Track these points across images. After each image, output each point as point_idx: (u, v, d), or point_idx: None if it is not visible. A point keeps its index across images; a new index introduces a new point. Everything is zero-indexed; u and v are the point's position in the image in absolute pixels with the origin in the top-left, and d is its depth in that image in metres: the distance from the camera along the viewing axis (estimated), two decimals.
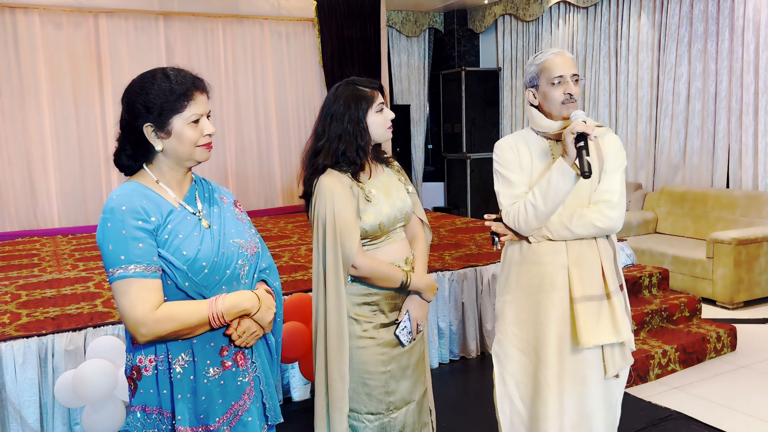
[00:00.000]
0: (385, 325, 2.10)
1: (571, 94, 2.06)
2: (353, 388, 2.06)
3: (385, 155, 2.22)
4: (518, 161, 2.16)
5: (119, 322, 3.04)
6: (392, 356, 2.09)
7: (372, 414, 2.07)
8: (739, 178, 5.70)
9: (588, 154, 1.94)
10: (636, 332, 3.99)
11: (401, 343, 2.11)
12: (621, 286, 2.15)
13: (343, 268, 2.00)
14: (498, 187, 2.19)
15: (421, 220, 2.26)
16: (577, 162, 1.97)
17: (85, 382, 2.60)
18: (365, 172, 2.10)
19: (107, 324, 3.03)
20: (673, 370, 3.82)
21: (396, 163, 2.26)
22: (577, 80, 2.09)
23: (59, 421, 2.90)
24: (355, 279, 2.07)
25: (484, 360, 4.01)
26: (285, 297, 3.29)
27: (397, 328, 2.11)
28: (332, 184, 2.01)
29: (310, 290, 3.48)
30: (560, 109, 2.08)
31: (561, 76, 2.06)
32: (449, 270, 3.97)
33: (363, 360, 2.06)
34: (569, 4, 7.21)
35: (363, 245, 2.06)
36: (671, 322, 4.21)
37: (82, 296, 3.55)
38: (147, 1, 6.46)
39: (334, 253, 1.99)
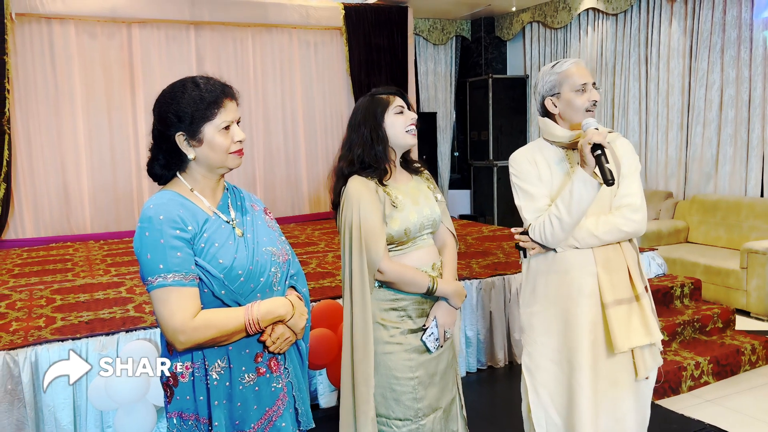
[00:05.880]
0: (412, 331, 2.10)
1: (595, 101, 2.11)
2: (382, 393, 2.07)
3: (416, 165, 2.24)
4: (537, 173, 2.16)
5: (151, 327, 3.09)
6: (420, 362, 2.09)
7: (400, 420, 2.07)
8: None
9: (607, 161, 1.95)
10: (668, 343, 3.92)
11: (428, 350, 2.11)
12: (646, 288, 2.16)
13: (369, 273, 2.02)
14: (519, 201, 2.19)
15: (450, 232, 2.25)
16: (597, 171, 1.97)
17: (117, 385, 2.65)
18: (390, 177, 2.12)
19: (139, 328, 3.08)
20: (706, 383, 3.74)
21: (426, 171, 2.28)
22: (597, 89, 2.14)
23: (92, 423, 2.95)
24: (383, 284, 2.07)
25: (512, 369, 3.97)
26: (313, 304, 3.31)
27: (423, 334, 2.10)
28: (359, 189, 2.04)
29: (338, 297, 3.51)
30: (584, 116, 2.11)
31: (585, 84, 2.10)
32: (477, 278, 3.95)
33: (390, 366, 2.06)
34: (598, 11, 7.15)
35: (389, 251, 2.06)
36: (704, 334, 4.13)
37: (114, 301, 3.61)
38: (178, 11, 6.58)
39: (360, 258, 2.01)
